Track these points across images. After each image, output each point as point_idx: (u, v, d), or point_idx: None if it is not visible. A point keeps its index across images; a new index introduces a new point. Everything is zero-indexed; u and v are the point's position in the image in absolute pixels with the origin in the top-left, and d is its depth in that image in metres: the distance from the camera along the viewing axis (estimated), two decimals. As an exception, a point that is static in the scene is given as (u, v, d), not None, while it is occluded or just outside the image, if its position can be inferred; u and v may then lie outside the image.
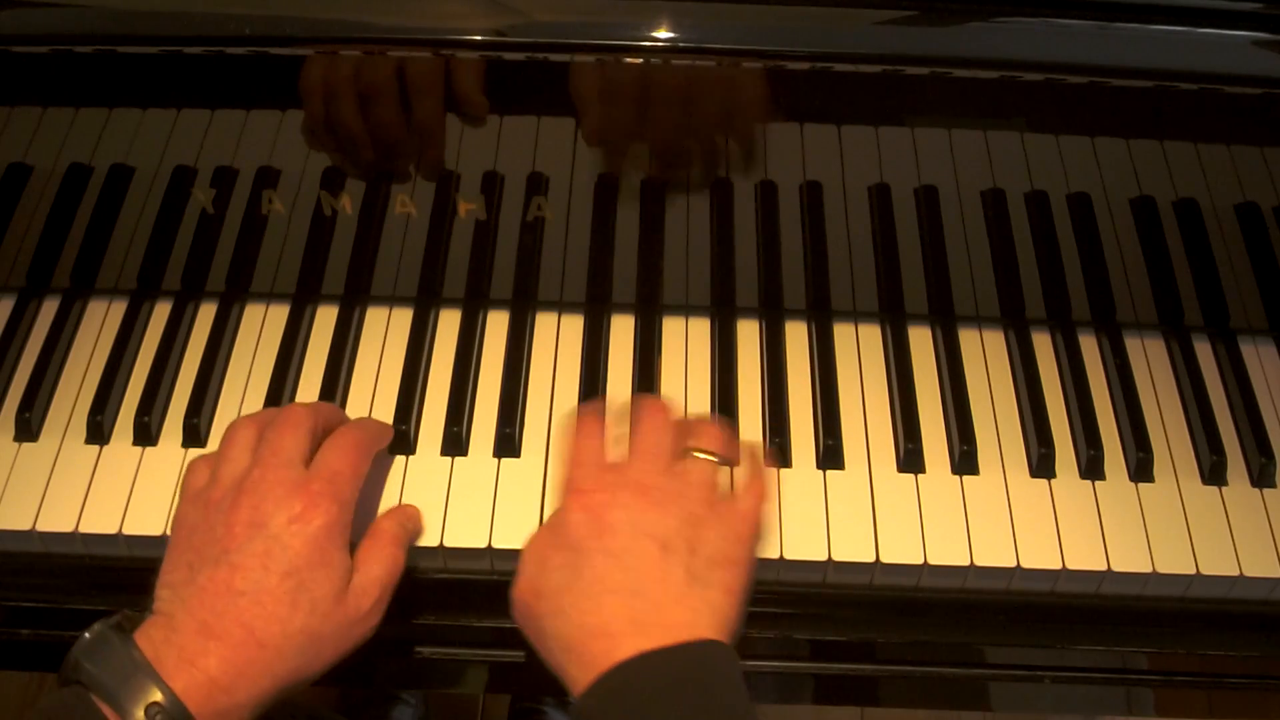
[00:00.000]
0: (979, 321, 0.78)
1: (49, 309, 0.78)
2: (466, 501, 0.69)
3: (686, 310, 0.78)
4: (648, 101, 0.65)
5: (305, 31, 0.62)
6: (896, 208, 0.72)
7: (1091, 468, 0.71)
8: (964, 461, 0.71)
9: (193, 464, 0.64)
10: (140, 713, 0.53)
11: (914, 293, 0.77)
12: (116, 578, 0.69)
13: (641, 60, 0.63)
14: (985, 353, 0.77)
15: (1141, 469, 0.71)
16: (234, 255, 0.76)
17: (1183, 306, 0.77)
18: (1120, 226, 0.72)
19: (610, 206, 0.72)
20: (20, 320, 0.78)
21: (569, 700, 0.57)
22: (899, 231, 0.73)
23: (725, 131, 0.68)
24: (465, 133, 0.68)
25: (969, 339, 0.77)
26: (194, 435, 0.72)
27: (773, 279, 0.76)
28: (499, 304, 0.78)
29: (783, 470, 0.71)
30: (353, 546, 0.62)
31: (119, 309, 0.78)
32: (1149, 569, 0.67)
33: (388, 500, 0.69)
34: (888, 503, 0.69)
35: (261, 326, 0.78)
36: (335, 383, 0.74)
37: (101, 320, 0.78)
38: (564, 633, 0.57)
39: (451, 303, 0.78)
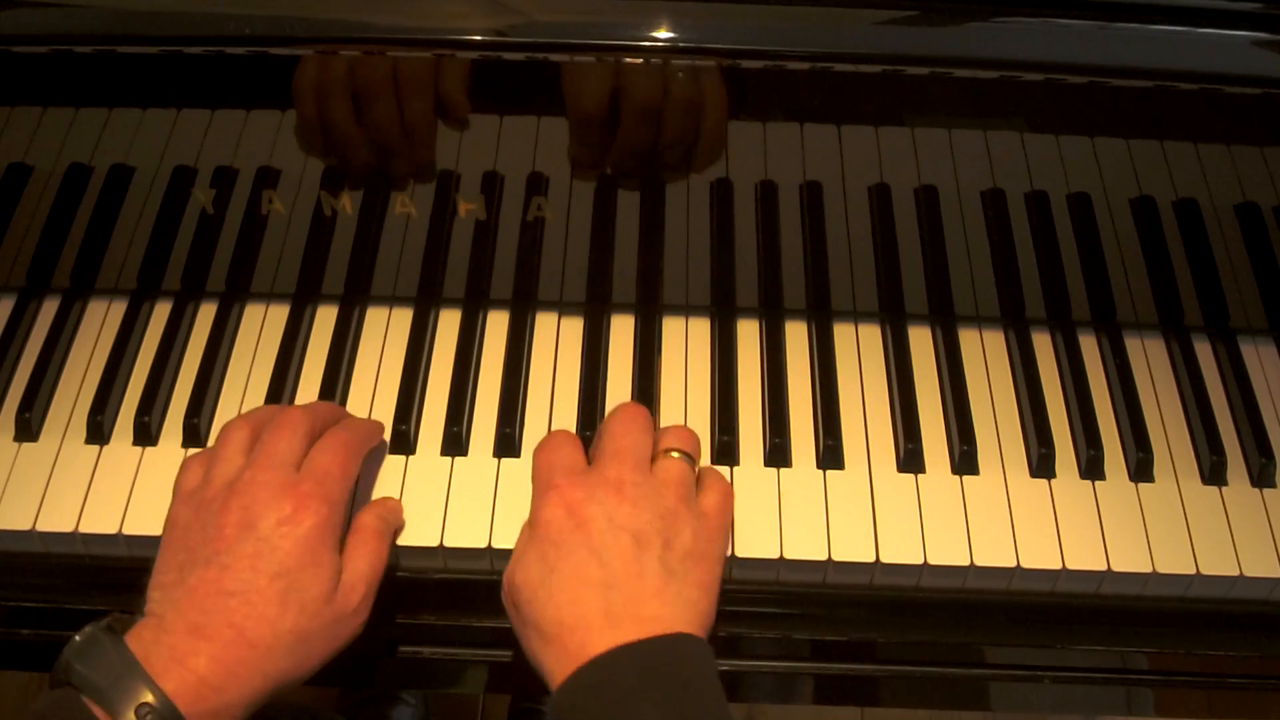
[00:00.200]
0: (979, 321, 0.78)
1: (49, 309, 0.78)
2: (466, 501, 0.69)
3: (686, 310, 0.78)
4: (644, 102, 0.65)
5: (305, 31, 0.62)
6: (896, 208, 0.72)
7: (1091, 468, 0.71)
8: (964, 461, 0.71)
9: (186, 463, 0.65)
10: (131, 713, 0.53)
11: (914, 293, 0.77)
12: (116, 578, 0.69)
13: (641, 60, 0.63)
14: (985, 353, 0.77)
15: (1141, 469, 0.71)
16: (234, 255, 0.76)
17: (1183, 306, 0.77)
18: (1120, 226, 0.72)
19: (610, 206, 0.72)
20: (20, 320, 0.78)
21: (547, 694, 0.58)
22: (899, 231, 0.73)
23: (717, 133, 0.68)
24: (465, 133, 0.68)
25: (969, 339, 0.77)
26: (194, 435, 0.72)
27: (773, 279, 0.76)
28: (499, 304, 0.78)
29: (783, 470, 0.71)
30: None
31: (119, 309, 0.78)
32: (1149, 569, 0.67)
33: (388, 500, 0.69)
34: (888, 503, 0.69)
35: (261, 326, 0.78)
36: (335, 383, 0.74)
37: (101, 320, 0.78)
38: (541, 625, 0.58)
39: (451, 303, 0.78)
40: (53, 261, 0.77)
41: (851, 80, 0.64)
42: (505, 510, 0.68)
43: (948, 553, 0.67)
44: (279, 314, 0.78)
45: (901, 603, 0.69)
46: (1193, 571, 0.67)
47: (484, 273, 0.77)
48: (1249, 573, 0.67)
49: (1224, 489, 0.71)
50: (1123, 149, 0.68)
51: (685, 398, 0.74)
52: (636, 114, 0.66)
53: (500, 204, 0.72)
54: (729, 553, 0.67)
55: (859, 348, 0.77)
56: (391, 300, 0.79)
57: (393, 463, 0.71)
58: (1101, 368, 0.77)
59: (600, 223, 0.73)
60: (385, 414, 0.72)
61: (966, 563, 0.67)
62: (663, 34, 0.62)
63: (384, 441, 0.71)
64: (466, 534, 0.68)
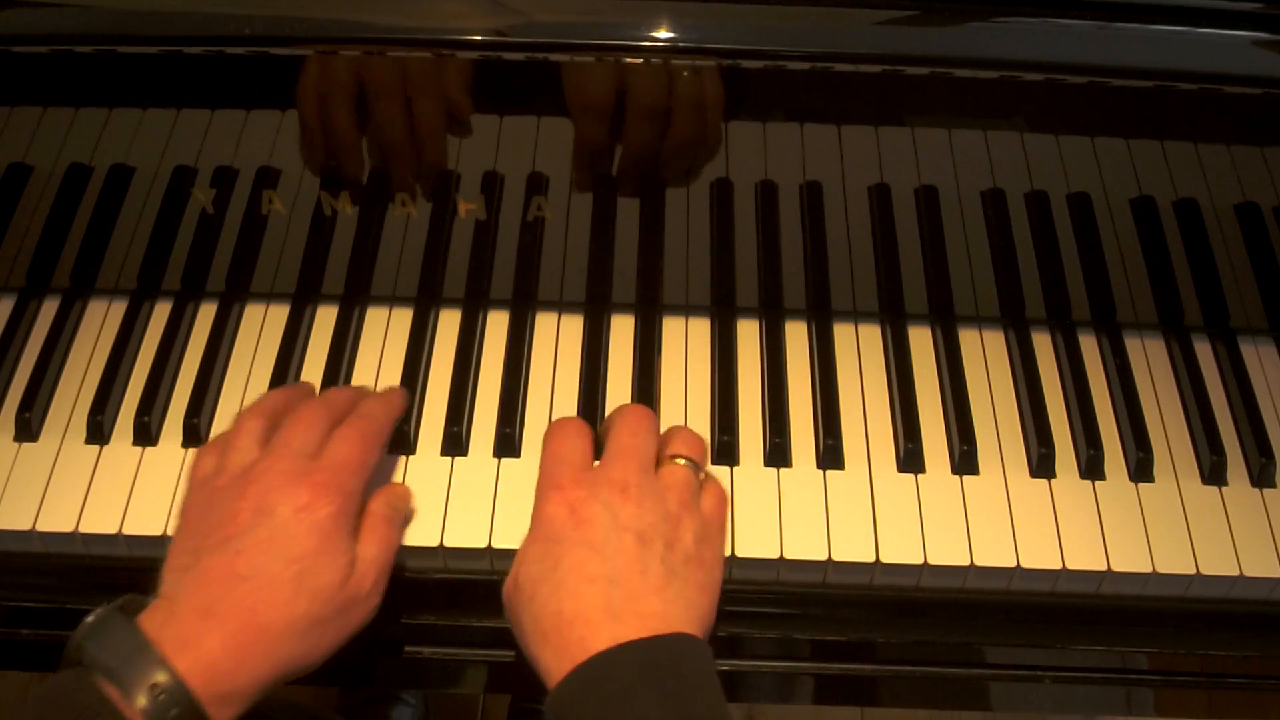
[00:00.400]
0: (979, 321, 0.78)
1: (49, 309, 0.78)
2: (466, 501, 0.69)
3: (686, 310, 0.78)
4: (641, 103, 0.65)
5: (305, 31, 0.62)
6: (896, 208, 0.72)
7: (1091, 468, 0.71)
8: (964, 461, 0.71)
9: (199, 452, 0.65)
10: (143, 693, 0.53)
11: (914, 293, 0.77)
12: (116, 578, 0.69)
13: (641, 60, 0.63)
14: (985, 353, 0.77)
15: (1141, 469, 0.71)
16: (234, 255, 0.76)
17: (1183, 306, 0.77)
18: (1120, 226, 0.72)
19: (610, 206, 0.72)
20: (20, 320, 0.78)
21: (546, 693, 0.57)
22: (899, 231, 0.73)
23: (714, 132, 0.68)
24: (465, 133, 0.68)
25: (969, 339, 0.77)
26: (194, 435, 0.72)
27: (773, 279, 0.76)
28: (499, 304, 0.78)
29: (783, 470, 0.71)
30: None
31: (119, 309, 0.78)
32: (1149, 569, 0.67)
33: (388, 500, 0.69)
34: (888, 503, 0.69)
35: (261, 326, 0.78)
36: (335, 383, 0.74)
37: (101, 320, 0.78)
38: (541, 621, 0.58)
39: (451, 303, 0.78)
40: (53, 261, 0.77)
41: (851, 80, 0.64)
42: (505, 510, 0.68)
43: (948, 553, 0.67)
44: (279, 314, 0.78)
45: (901, 603, 0.69)
46: (1193, 571, 0.67)
47: (484, 273, 0.77)
48: (1249, 573, 0.67)
49: (1224, 489, 0.71)
50: (1123, 149, 0.68)
51: (685, 398, 0.74)
52: (635, 112, 0.66)
53: (500, 204, 0.72)
54: (729, 553, 0.67)
55: (859, 348, 0.77)
56: (391, 300, 0.79)
57: (393, 463, 0.71)
58: (1101, 368, 0.77)
59: (600, 223, 0.73)
60: (385, 414, 0.72)
61: (966, 563, 0.67)
62: (663, 34, 0.62)
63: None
64: (466, 534, 0.68)
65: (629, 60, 0.63)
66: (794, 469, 0.71)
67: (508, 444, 0.71)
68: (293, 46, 0.63)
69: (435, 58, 0.63)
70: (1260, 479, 0.71)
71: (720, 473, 0.70)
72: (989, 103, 0.65)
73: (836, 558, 0.67)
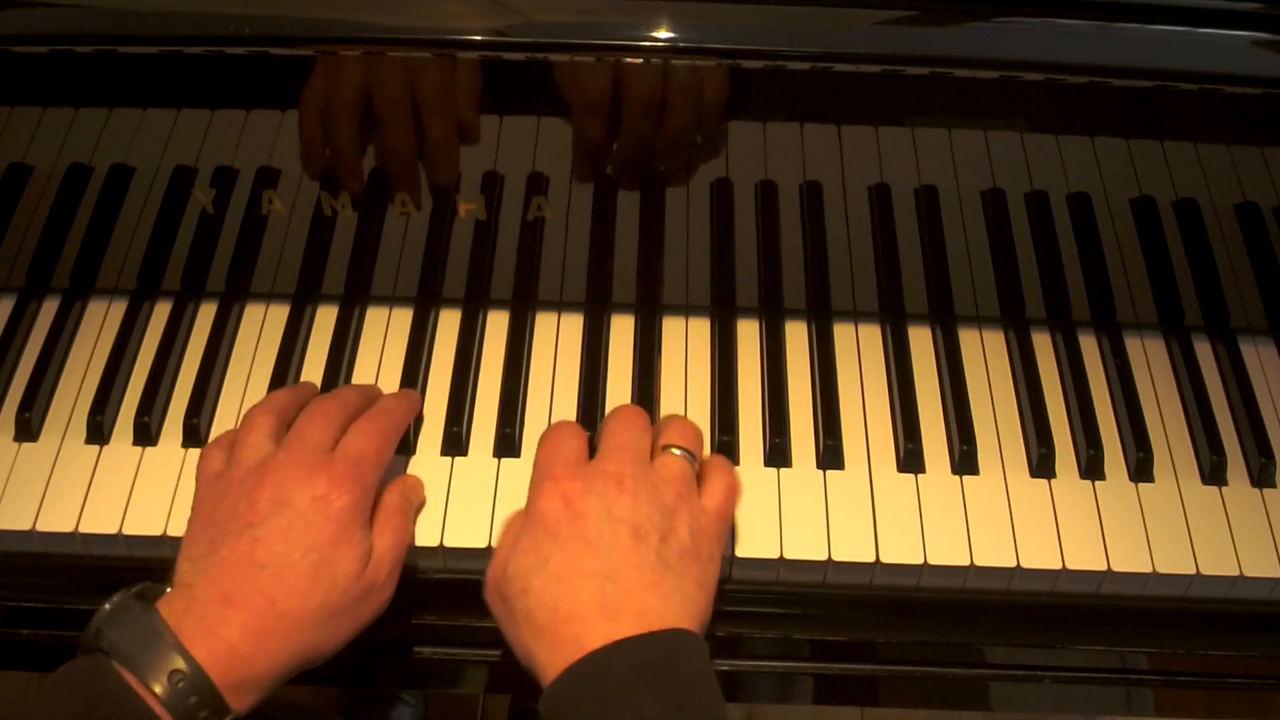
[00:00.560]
0: (979, 321, 0.78)
1: (49, 309, 0.78)
2: (466, 501, 0.69)
3: (686, 310, 0.78)
4: (638, 102, 0.65)
5: (305, 31, 0.62)
6: (896, 208, 0.72)
7: (1091, 468, 0.71)
8: (964, 461, 0.71)
9: (206, 449, 0.65)
10: (163, 679, 0.53)
11: (914, 293, 0.77)
12: (116, 578, 0.68)
13: (641, 60, 0.63)
14: (985, 353, 0.77)
15: (1141, 469, 0.71)
16: (234, 255, 0.76)
17: (1183, 306, 0.77)
18: (1120, 226, 0.72)
19: (610, 206, 0.72)
20: (20, 320, 0.78)
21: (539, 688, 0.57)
22: (899, 231, 0.73)
23: (716, 131, 0.68)
24: (464, 133, 0.68)
25: (969, 339, 0.77)
26: (194, 435, 0.72)
27: (773, 279, 0.76)
28: (499, 304, 0.78)
29: (783, 470, 0.71)
30: None
31: (119, 309, 0.78)
32: (1149, 569, 0.67)
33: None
34: (888, 503, 0.69)
35: (261, 326, 0.78)
36: (335, 383, 0.74)
37: (101, 320, 0.78)
38: (534, 616, 0.57)
39: (451, 303, 0.78)
40: (53, 261, 0.77)
41: (851, 80, 0.64)
42: (505, 510, 0.68)
43: (948, 553, 0.67)
44: (279, 314, 0.78)
45: (901, 603, 0.69)
46: (1193, 571, 0.67)
47: (484, 273, 0.77)
48: (1249, 573, 0.67)
49: (1224, 489, 0.71)
50: (1123, 149, 0.68)
51: (685, 398, 0.74)
52: (632, 109, 0.66)
53: (500, 204, 0.72)
54: (729, 553, 0.67)
55: (859, 348, 0.77)
56: (391, 300, 0.79)
57: (393, 463, 0.71)
58: (1101, 368, 0.77)
59: (600, 223, 0.73)
60: (385, 414, 0.72)
61: (966, 563, 0.67)
62: (663, 34, 0.62)
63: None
64: (466, 534, 0.68)
65: (629, 60, 0.63)
66: (794, 469, 0.71)
67: (508, 444, 0.71)
68: (293, 46, 0.63)
69: (435, 58, 0.63)
70: (1260, 479, 0.71)
71: (728, 466, 0.70)
72: (989, 103, 0.65)
73: (836, 558, 0.67)
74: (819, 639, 0.70)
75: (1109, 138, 0.67)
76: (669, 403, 0.74)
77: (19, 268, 0.78)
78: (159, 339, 0.76)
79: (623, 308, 0.78)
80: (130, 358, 0.76)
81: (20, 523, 0.68)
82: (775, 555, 0.67)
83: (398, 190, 0.71)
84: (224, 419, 0.73)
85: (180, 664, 0.54)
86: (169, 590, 0.58)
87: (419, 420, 0.73)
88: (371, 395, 0.69)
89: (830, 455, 0.71)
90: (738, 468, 0.71)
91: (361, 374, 0.75)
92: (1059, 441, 0.72)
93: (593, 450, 0.66)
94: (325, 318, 0.78)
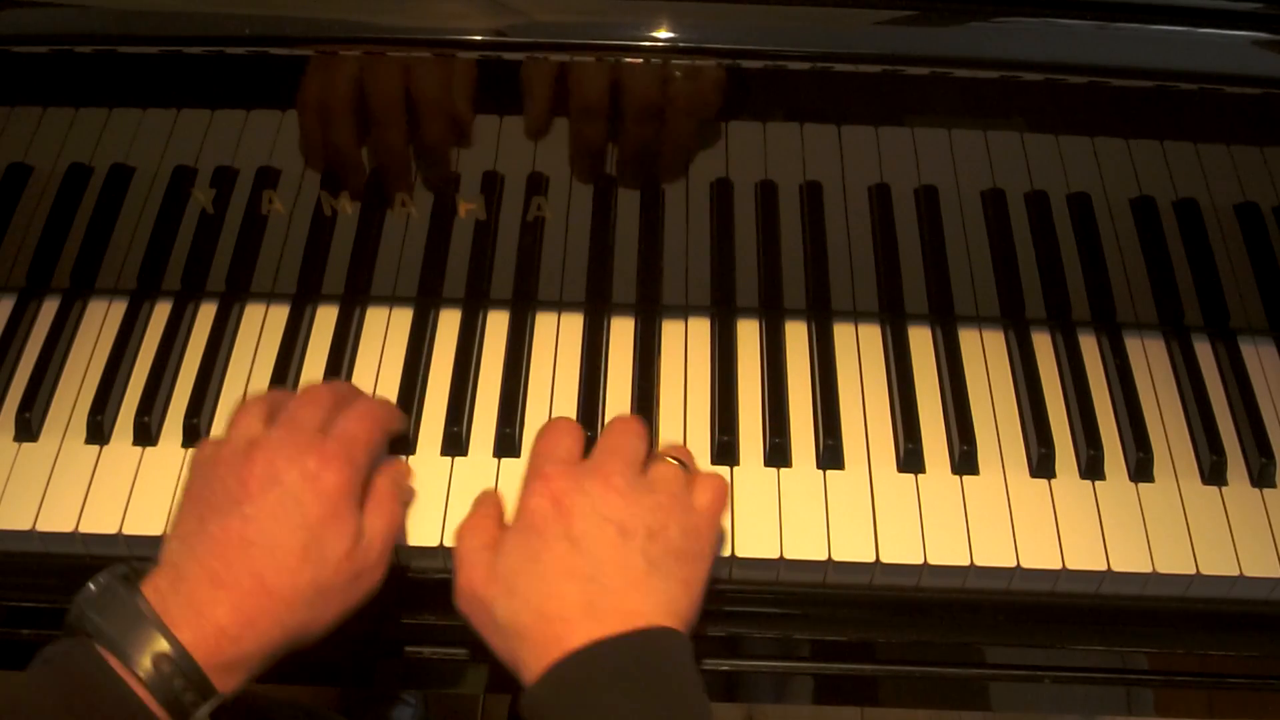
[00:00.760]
0: (979, 321, 0.78)
1: (49, 309, 0.78)
2: (466, 502, 0.69)
3: (686, 310, 0.78)
4: (635, 101, 0.65)
5: (305, 31, 0.62)
6: (896, 208, 0.72)
7: (1091, 468, 0.71)
8: (964, 461, 0.71)
9: (202, 443, 0.65)
10: (147, 662, 0.53)
11: (914, 293, 0.77)
12: (116, 578, 0.69)
13: (641, 60, 0.63)
14: (985, 353, 0.77)
15: (1141, 469, 0.71)
16: (234, 255, 0.76)
17: (1183, 306, 0.77)
18: (1120, 226, 0.72)
19: (610, 206, 0.72)
20: (20, 320, 0.78)
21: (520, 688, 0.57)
22: (899, 231, 0.73)
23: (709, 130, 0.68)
24: (465, 133, 0.68)
25: (969, 339, 0.77)
26: (194, 435, 0.72)
27: (773, 279, 0.76)
28: (499, 304, 0.78)
29: (783, 470, 0.71)
30: None
31: (119, 309, 0.78)
32: (1149, 569, 0.67)
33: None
34: (888, 503, 0.69)
35: (261, 326, 0.78)
36: (335, 383, 0.74)
37: (101, 320, 0.78)
38: (518, 617, 0.57)
39: (451, 303, 0.78)
40: (53, 261, 0.77)
41: (851, 80, 0.64)
42: (505, 510, 0.68)
43: (948, 553, 0.67)
44: (279, 314, 0.78)
45: (901, 603, 0.69)
46: (1193, 571, 0.67)
47: (484, 273, 0.77)
48: (1249, 573, 0.67)
49: (1224, 489, 0.71)
50: (1123, 149, 0.68)
51: (685, 398, 0.74)
52: (629, 109, 0.66)
53: (500, 204, 0.72)
54: (729, 553, 0.67)
55: (859, 348, 0.77)
56: (391, 300, 0.79)
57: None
58: (1101, 368, 0.77)
59: (600, 223, 0.73)
60: (385, 414, 0.72)
61: (966, 563, 0.67)
62: (663, 34, 0.62)
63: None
64: (466, 534, 0.68)
65: (629, 60, 0.63)
66: (794, 469, 0.71)
67: (508, 444, 0.71)
68: (293, 46, 0.63)
69: (435, 58, 0.63)
70: (1260, 479, 0.71)
71: (720, 473, 0.70)
72: (989, 103, 0.65)
73: (836, 558, 0.67)
74: (819, 639, 0.70)
75: (1109, 138, 0.67)
76: (669, 403, 0.74)
77: (19, 268, 0.78)
78: (159, 339, 0.76)
79: (623, 308, 0.78)
80: (130, 358, 0.76)
81: (20, 523, 0.68)
82: (775, 555, 0.67)
83: (398, 190, 0.71)
84: (224, 419, 0.73)
85: (165, 647, 0.54)
86: (154, 570, 0.57)
87: (419, 420, 0.73)
88: (360, 394, 0.69)
89: (830, 455, 0.71)
90: (738, 468, 0.71)
91: (361, 374, 0.75)
92: (1059, 441, 0.72)
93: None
94: (325, 318, 0.78)
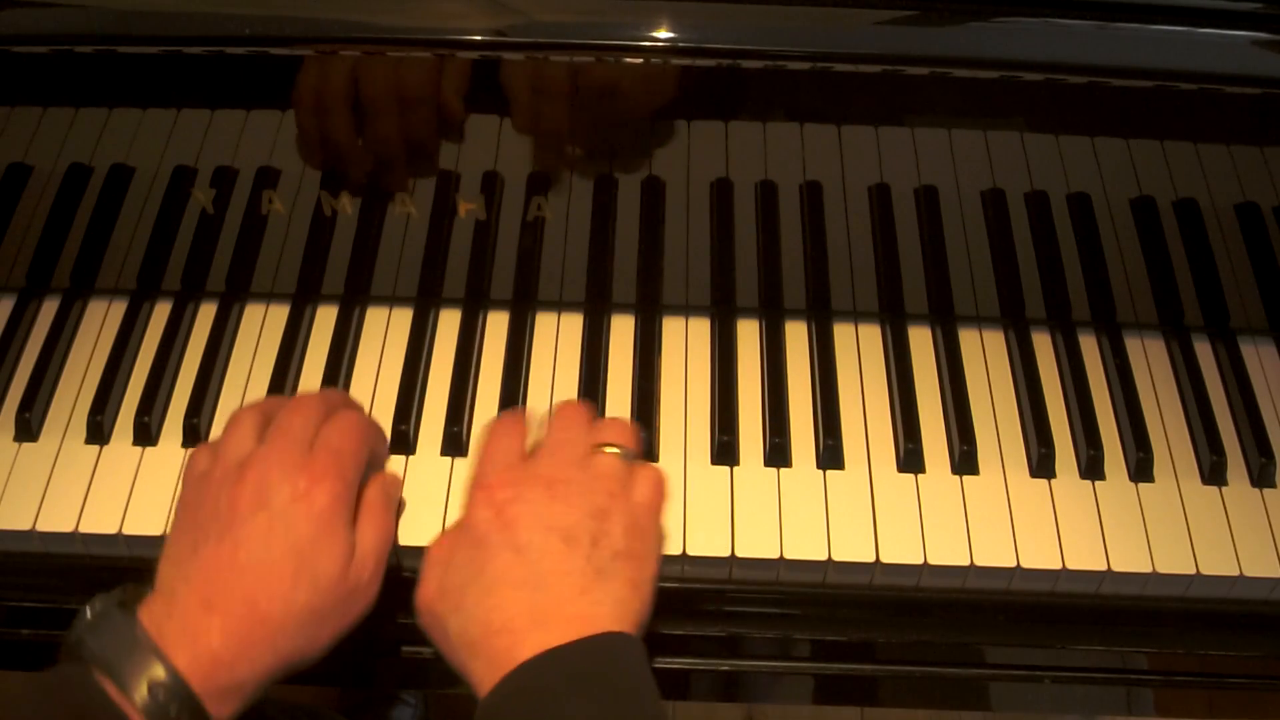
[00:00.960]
0: (979, 321, 0.78)
1: (49, 309, 0.78)
2: (466, 501, 0.69)
3: (686, 310, 0.78)
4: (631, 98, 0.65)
5: (305, 31, 0.62)
6: (896, 208, 0.72)
7: (1091, 468, 0.71)
8: (964, 461, 0.71)
9: (195, 451, 0.64)
10: (142, 689, 0.53)
11: (914, 293, 0.77)
12: (116, 578, 0.68)
13: (642, 60, 0.63)
14: (985, 353, 0.77)
15: (1141, 469, 0.71)
16: (234, 255, 0.76)
17: (1183, 306, 0.77)
18: (1120, 226, 0.72)
19: (610, 206, 0.72)
20: (20, 320, 0.78)
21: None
22: (899, 231, 0.73)
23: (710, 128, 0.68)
24: (465, 133, 0.68)
25: (969, 339, 0.77)
26: (194, 435, 0.72)
27: (773, 279, 0.76)
28: (499, 304, 0.78)
29: (783, 470, 0.71)
30: None
31: (119, 309, 0.78)
32: (1149, 569, 0.67)
33: (388, 500, 0.69)
34: (888, 503, 0.69)
35: (261, 326, 0.78)
36: (335, 383, 0.74)
37: (101, 320, 0.78)
38: (467, 631, 0.57)
39: (451, 303, 0.78)
40: (53, 261, 0.77)
41: (851, 80, 0.64)
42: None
43: (948, 553, 0.67)
44: (279, 314, 0.78)
45: (901, 603, 0.69)
46: (1193, 571, 0.67)
47: (484, 273, 0.77)
48: (1249, 573, 0.67)
49: (1224, 489, 0.71)
50: (1123, 149, 0.68)
51: (685, 398, 0.74)
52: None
53: (500, 204, 0.72)
54: (729, 552, 0.67)
55: (859, 348, 0.77)
56: (391, 300, 0.79)
57: (393, 463, 0.71)
58: (1101, 368, 0.77)
59: (600, 223, 0.73)
60: (385, 414, 0.72)
61: (966, 563, 0.67)
62: (663, 34, 0.62)
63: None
64: (466, 534, 0.68)
65: (629, 60, 0.63)
66: (794, 469, 0.71)
67: (508, 444, 0.71)
68: (292, 46, 0.63)
69: (434, 58, 0.63)
70: (1260, 479, 0.71)
71: (720, 473, 0.70)
72: (989, 103, 0.65)
73: (836, 558, 0.67)
74: (819, 639, 0.70)
75: (1109, 138, 0.67)
76: (669, 402, 0.74)
77: (19, 268, 0.78)
78: (159, 339, 0.76)
79: (623, 308, 0.78)
80: (130, 358, 0.76)
81: (20, 523, 0.68)
82: (775, 555, 0.67)
83: (398, 190, 0.71)
84: (224, 419, 0.72)
85: (161, 673, 0.53)
86: (150, 596, 0.57)
87: (419, 420, 0.73)
88: (349, 401, 0.69)
89: (830, 455, 0.71)
90: (738, 468, 0.71)
91: (361, 374, 0.75)
92: (1059, 441, 0.72)
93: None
94: (325, 318, 0.78)
